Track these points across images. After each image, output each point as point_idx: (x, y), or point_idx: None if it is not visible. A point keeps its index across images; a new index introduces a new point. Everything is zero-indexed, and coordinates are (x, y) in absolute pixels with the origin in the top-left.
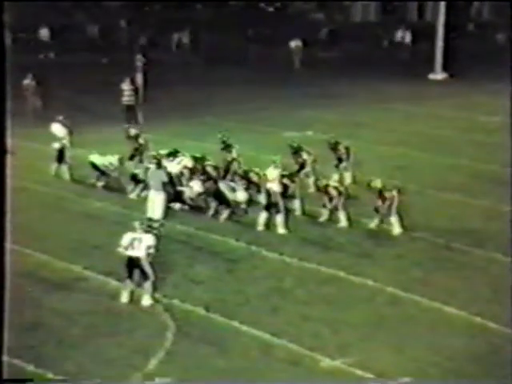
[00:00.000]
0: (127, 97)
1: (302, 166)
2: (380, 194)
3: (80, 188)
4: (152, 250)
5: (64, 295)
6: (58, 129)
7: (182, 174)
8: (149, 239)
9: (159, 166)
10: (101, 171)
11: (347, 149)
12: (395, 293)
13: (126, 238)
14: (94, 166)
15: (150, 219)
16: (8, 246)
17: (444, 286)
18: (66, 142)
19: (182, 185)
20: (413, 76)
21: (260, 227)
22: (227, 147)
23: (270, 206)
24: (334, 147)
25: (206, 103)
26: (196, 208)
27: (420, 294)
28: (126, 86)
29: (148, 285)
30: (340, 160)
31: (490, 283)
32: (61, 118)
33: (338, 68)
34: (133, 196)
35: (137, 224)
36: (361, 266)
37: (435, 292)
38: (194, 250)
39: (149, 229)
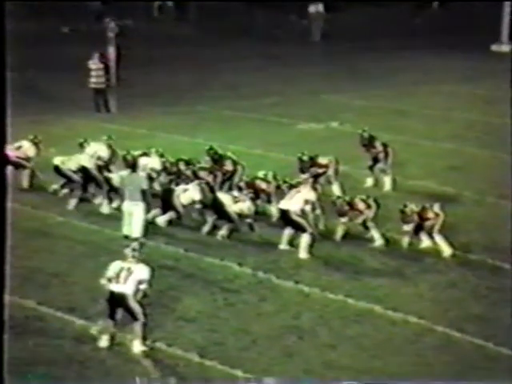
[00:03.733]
0: (96, 78)
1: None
2: (420, 216)
3: (38, 197)
4: (144, 286)
5: (12, 340)
6: (27, 149)
7: (149, 177)
8: (141, 271)
9: (135, 168)
10: (67, 177)
11: (385, 146)
12: (447, 333)
13: (113, 268)
14: (59, 172)
15: (126, 237)
16: None
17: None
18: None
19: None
20: (471, 48)
21: (283, 246)
22: (219, 160)
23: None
24: (369, 143)
25: (198, 87)
26: (186, 221)
27: (481, 335)
28: (94, 65)
29: (138, 327)
30: (376, 160)
31: None
32: (32, 136)
33: (372, 39)
34: (106, 210)
35: (128, 250)
36: (402, 297)
37: (500, 333)
38: (183, 277)
39: (136, 254)
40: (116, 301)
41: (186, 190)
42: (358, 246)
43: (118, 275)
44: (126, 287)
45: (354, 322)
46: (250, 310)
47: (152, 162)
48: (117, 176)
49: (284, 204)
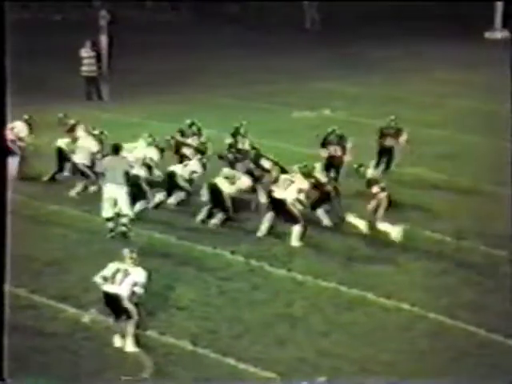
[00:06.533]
0: (88, 66)
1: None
2: (369, 185)
3: (31, 185)
4: (138, 289)
5: (5, 329)
6: (19, 130)
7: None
8: (137, 274)
9: (117, 151)
10: (64, 162)
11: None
12: (440, 320)
13: (110, 268)
14: (61, 155)
15: (108, 220)
16: None
17: (505, 311)
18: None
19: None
20: (465, 35)
21: (261, 233)
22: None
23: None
24: (394, 133)
25: (191, 75)
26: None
27: (473, 322)
28: (85, 53)
29: (131, 326)
30: (385, 152)
31: None
32: (26, 116)
33: (365, 26)
34: (73, 194)
35: (126, 251)
36: (394, 285)
37: (492, 320)
38: (175, 265)
39: (135, 262)
40: (110, 301)
41: (186, 165)
42: (351, 234)
43: (113, 276)
44: (120, 288)
45: (346, 309)
46: (243, 298)
47: (149, 153)
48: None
49: (280, 193)
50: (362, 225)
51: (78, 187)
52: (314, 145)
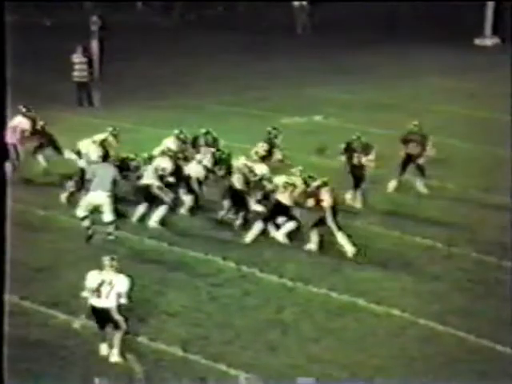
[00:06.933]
0: (79, 71)
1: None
2: (317, 189)
3: (20, 191)
4: (123, 300)
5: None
6: (21, 123)
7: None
8: (121, 283)
9: (105, 158)
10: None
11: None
12: (430, 326)
13: (92, 279)
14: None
15: (83, 219)
16: None
17: (495, 317)
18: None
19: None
20: (455, 42)
21: (248, 239)
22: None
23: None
24: (420, 141)
25: (182, 80)
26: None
27: (463, 328)
28: (77, 58)
29: (118, 336)
30: (411, 159)
31: None
32: (24, 109)
33: (357, 32)
34: (63, 199)
35: (106, 259)
36: (385, 291)
37: (482, 326)
38: (167, 271)
39: (117, 267)
40: (100, 315)
41: (200, 162)
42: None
43: (98, 289)
44: (108, 302)
45: (337, 315)
46: (234, 304)
47: (163, 163)
48: (88, 167)
49: (287, 199)
50: (349, 250)
51: (67, 192)
52: (305, 151)
